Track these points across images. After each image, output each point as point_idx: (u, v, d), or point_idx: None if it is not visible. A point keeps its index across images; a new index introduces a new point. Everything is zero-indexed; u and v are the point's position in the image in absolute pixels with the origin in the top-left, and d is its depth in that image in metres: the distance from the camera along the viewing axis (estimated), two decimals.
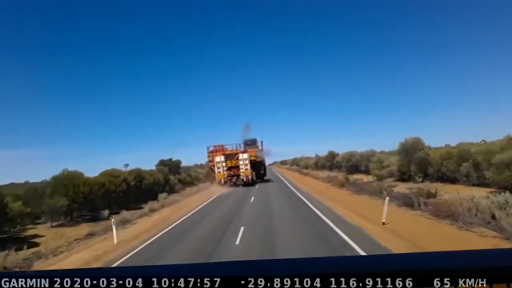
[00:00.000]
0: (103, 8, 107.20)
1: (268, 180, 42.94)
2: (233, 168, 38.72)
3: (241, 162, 38.37)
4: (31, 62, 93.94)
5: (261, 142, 43.23)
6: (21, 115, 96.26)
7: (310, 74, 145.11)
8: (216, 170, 38.94)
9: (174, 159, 46.85)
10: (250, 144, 42.52)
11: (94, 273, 1.44)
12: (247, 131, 51.49)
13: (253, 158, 39.55)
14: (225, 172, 38.53)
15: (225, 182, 37.91)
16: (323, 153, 62.83)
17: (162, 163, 43.19)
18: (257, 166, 41.41)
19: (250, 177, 38.12)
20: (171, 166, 44.29)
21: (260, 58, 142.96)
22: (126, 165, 38.24)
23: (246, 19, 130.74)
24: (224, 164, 38.58)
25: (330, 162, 52.32)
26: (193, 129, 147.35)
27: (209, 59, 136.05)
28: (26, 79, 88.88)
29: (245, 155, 38.61)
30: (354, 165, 40.49)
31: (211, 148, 40.70)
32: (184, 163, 50.98)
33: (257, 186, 35.31)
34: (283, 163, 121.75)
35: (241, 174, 38.25)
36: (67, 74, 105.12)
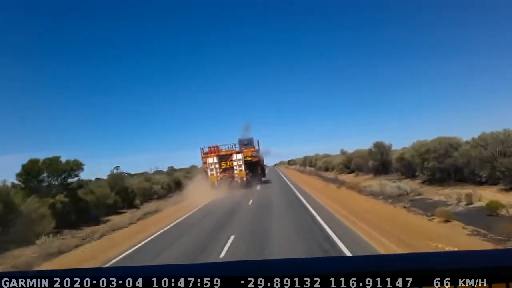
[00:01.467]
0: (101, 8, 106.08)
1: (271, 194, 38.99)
2: (228, 170, 37.91)
3: (235, 163, 37.55)
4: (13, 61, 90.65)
5: (258, 141, 42.32)
6: None
7: (312, 74, 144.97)
8: (209, 172, 37.96)
9: (70, 159, 22.35)
10: (246, 144, 41.48)
11: (94, 273, 1.43)
12: (246, 132, 50.06)
13: (249, 159, 38.83)
14: (218, 174, 37.65)
15: (218, 184, 37.07)
16: (336, 152, 50.87)
17: (25, 170, 20.28)
18: (254, 166, 40.60)
19: (244, 178, 37.37)
20: (51, 173, 20.98)
21: (263, 58, 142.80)
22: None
23: (247, 19, 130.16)
24: (217, 166, 37.67)
25: (376, 161, 31.75)
26: (193, 131, 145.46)
27: (208, 59, 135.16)
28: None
29: (239, 156, 37.87)
30: (447, 168, 19.84)
31: (206, 150, 39.78)
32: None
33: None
34: (290, 163, 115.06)
35: (235, 175, 37.47)
36: (54, 74, 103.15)
